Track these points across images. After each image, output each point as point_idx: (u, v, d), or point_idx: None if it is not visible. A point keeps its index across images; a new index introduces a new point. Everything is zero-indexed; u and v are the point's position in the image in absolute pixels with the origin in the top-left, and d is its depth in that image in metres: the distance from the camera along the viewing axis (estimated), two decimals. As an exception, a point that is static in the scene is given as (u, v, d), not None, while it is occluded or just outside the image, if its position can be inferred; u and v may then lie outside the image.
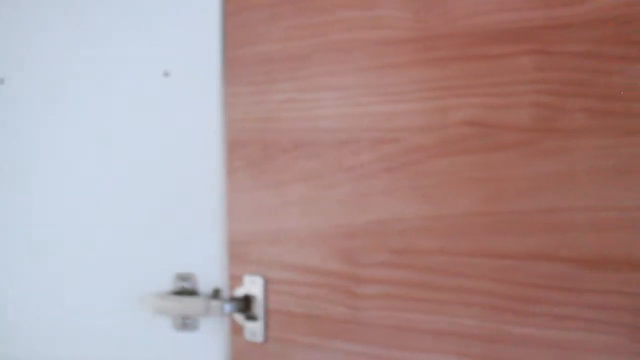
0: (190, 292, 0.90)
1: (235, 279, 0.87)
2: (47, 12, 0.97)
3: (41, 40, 0.97)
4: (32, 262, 0.97)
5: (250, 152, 0.86)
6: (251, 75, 0.86)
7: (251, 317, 0.86)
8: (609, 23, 0.65)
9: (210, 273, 0.90)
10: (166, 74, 0.92)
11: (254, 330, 0.86)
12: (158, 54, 0.92)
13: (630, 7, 0.64)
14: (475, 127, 0.72)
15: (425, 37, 0.74)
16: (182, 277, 0.90)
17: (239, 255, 0.87)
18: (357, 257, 0.79)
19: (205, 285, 0.90)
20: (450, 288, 0.74)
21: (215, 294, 0.89)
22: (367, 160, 0.78)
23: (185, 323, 0.91)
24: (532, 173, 0.69)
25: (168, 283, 0.91)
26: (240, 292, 0.86)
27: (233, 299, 0.86)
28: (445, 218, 0.74)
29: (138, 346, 0.93)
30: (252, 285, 0.86)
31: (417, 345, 0.76)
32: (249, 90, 0.86)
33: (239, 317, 0.87)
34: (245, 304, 0.86)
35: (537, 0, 0.69)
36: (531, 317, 0.70)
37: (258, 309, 0.85)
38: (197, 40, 0.90)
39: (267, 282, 0.85)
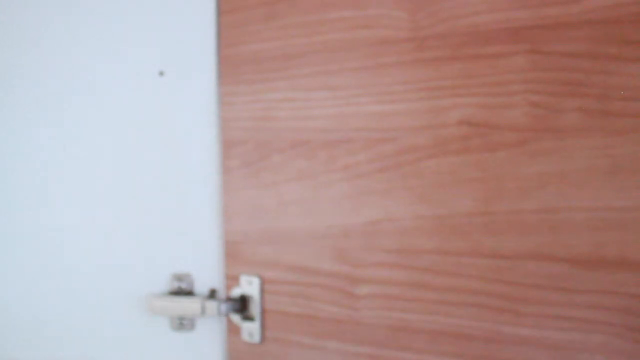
0: (187, 293, 0.90)
1: (231, 279, 0.87)
2: (41, 12, 0.96)
3: (34, 40, 0.97)
4: (29, 263, 0.97)
5: (246, 151, 0.86)
6: (246, 74, 0.85)
7: (248, 318, 0.86)
8: (603, 23, 0.65)
9: (207, 273, 0.90)
10: (161, 73, 0.92)
11: (250, 330, 0.86)
12: (153, 53, 0.92)
13: (624, 7, 0.64)
14: (471, 127, 0.72)
15: (420, 37, 0.74)
16: (179, 278, 0.90)
17: (235, 255, 0.87)
18: (353, 257, 0.79)
19: (201, 285, 0.90)
20: (446, 288, 0.74)
21: (212, 294, 0.89)
22: (362, 160, 0.78)
23: (182, 323, 0.91)
24: (528, 173, 0.69)
25: (164, 283, 0.91)
26: (236, 292, 0.86)
27: (229, 299, 0.86)
28: (440, 218, 0.74)
29: (134, 346, 0.93)
30: (249, 286, 0.86)
31: (413, 346, 0.76)
32: (244, 90, 0.86)
33: (236, 318, 0.87)
34: (241, 304, 0.86)
35: (531, 0, 0.68)
36: (526, 317, 0.70)
37: (255, 309, 0.85)
38: (192, 39, 0.90)
39: (263, 282, 0.85)
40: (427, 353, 0.75)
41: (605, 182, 0.66)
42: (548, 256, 0.68)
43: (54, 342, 0.97)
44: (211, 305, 0.86)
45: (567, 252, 0.68)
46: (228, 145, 0.87)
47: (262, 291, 0.85)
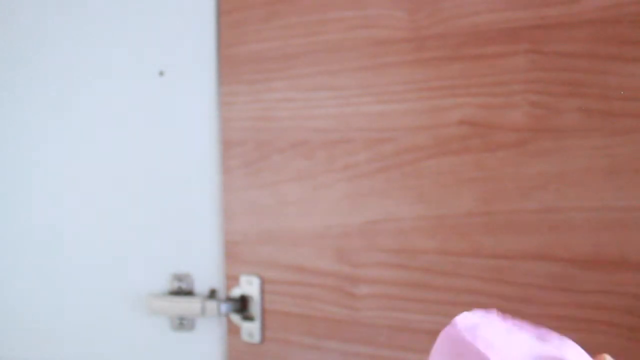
0: (187, 293, 0.90)
1: (231, 279, 0.87)
2: (40, 12, 0.96)
3: (35, 40, 0.97)
4: (29, 262, 0.97)
5: (246, 151, 0.86)
6: (246, 74, 0.86)
7: (248, 318, 0.86)
8: (603, 23, 0.65)
9: (207, 273, 0.90)
10: (161, 73, 0.92)
11: (250, 330, 0.86)
12: (153, 53, 0.92)
13: (624, 7, 0.64)
14: (470, 127, 0.72)
15: (420, 37, 0.74)
16: (179, 278, 0.90)
17: (235, 255, 0.87)
18: (353, 257, 0.79)
19: (201, 285, 0.90)
20: (446, 288, 0.74)
21: (212, 294, 0.89)
22: (362, 160, 0.78)
23: (182, 323, 0.91)
24: (528, 173, 0.69)
25: (164, 283, 0.91)
26: (236, 292, 0.86)
27: (229, 299, 0.86)
28: (440, 218, 0.74)
29: (134, 346, 0.93)
30: (249, 286, 0.86)
31: (413, 346, 0.76)
32: (244, 90, 0.86)
33: (236, 318, 0.87)
34: (241, 304, 0.86)
35: (531, 0, 0.68)
36: (527, 317, 0.69)
37: (255, 309, 0.85)
38: (192, 39, 0.90)
39: (263, 282, 0.85)
40: (427, 353, 0.75)
41: (605, 182, 0.66)
42: (548, 256, 0.68)
43: (54, 342, 0.97)
44: (211, 305, 0.86)
45: (567, 252, 0.68)
46: (228, 145, 0.87)
47: (262, 291, 0.85)
